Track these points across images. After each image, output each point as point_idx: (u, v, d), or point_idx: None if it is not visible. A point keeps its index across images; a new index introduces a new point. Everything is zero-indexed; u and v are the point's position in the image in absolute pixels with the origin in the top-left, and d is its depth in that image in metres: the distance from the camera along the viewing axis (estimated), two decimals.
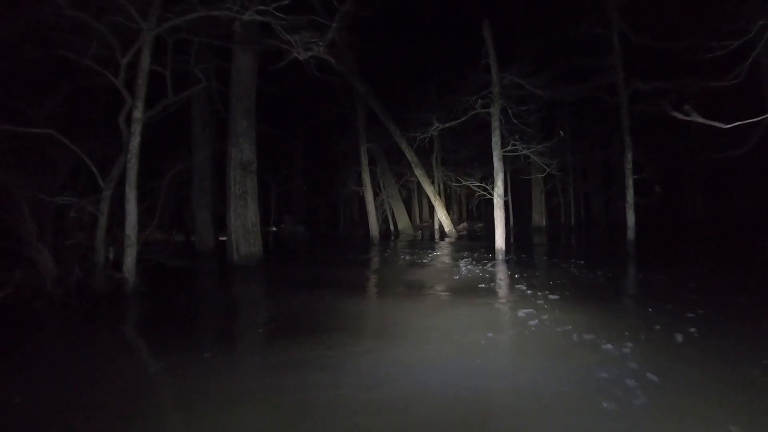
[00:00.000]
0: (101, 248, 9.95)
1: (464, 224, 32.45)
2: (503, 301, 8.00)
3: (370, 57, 22.05)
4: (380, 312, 7.67)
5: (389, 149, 28.54)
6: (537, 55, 14.33)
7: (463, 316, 6.84)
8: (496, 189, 12.70)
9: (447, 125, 13.66)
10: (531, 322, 6.28)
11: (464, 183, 14.69)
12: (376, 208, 26.34)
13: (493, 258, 12.85)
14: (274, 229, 26.13)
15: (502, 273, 10.68)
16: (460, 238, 23.56)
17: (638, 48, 15.10)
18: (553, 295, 7.96)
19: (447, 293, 8.56)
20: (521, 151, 12.87)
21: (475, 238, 24.20)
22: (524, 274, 10.18)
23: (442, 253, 15.50)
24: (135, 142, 9.82)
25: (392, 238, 24.80)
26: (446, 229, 24.45)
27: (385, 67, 23.73)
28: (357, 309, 7.66)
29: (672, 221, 28.64)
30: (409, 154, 22.97)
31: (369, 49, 21.34)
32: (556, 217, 32.98)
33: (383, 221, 28.04)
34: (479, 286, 9.04)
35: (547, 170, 13.18)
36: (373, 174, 26.64)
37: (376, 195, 26.95)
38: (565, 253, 14.87)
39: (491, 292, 8.57)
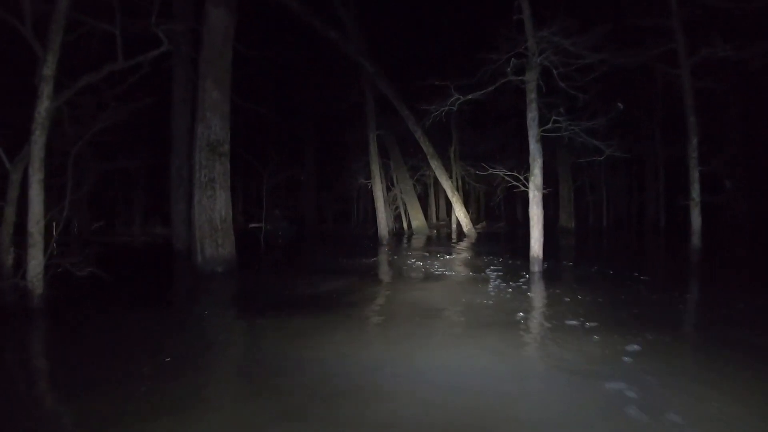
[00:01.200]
0: (6, 248, 7.33)
1: (483, 224, 29.29)
2: (568, 355, 4.71)
3: (381, 34, 19.05)
4: (365, 381, 4.17)
5: (404, 141, 25.53)
6: (579, 12, 11.05)
7: (509, 399, 3.76)
8: (532, 179, 9.57)
9: (469, 97, 10.50)
10: (636, 414, 3.23)
11: (491, 171, 11.48)
12: (389, 204, 23.33)
13: (527, 269, 9.79)
14: (268, 226, 23.33)
15: (544, 295, 7.55)
16: (479, 238, 20.42)
17: (703, 8, 11.86)
18: (636, 343, 4.82)
19: (472, 337, 5.40)
20: (566, 130, 9.66)
21: (496, 240, 21.00)
22: (578, 297, 7.04)
23: (462, 258, 12.43)
24: (42, 107, 7.08)
25: (405, 237, 21.74)
26: (465, 229, 21.35)
27: (397, 43, 20.64)
28: (324, 371, 4.29)
29: (736, 222, 24.55)
30: (425, 144, 19.90)
31: (380, 24, 18.38)
32: (581, 218, 29.47)
33: (396, 219, 24.99)
34: (519, 320, 5.95)
35: (607, 152, 9.86)
36: (385, 167, 23.65)
37: (388, 190, 23.97)
38: (615, 263, 11.66)
39: (542, 334, 5.42)
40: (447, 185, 20.76)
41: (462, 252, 14.25)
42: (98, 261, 8.34)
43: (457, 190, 22.30)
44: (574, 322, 5.56)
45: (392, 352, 4.74)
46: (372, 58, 18.06)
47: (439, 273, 9.52)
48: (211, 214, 9.85)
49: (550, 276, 9.19)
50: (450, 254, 13.45)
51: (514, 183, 10.12)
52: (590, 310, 6.22)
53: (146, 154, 23.07)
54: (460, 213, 21.29)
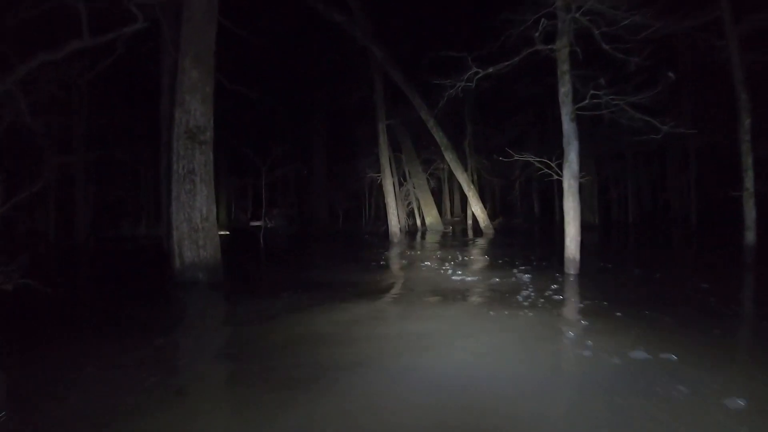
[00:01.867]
0: None
1: (499, 219, 27.53)
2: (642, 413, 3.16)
3: (389, 13, 17.46)
4: None
5: (416, 133, 23.93)
6: None
7: None
8: (567, 166, 7.93)
9: (490, 70, 8.81)
10: None
11: (517, 158, 9.90)
12: (401, 200, 21.77)
13: (558, 270, 8.19)
14: (269, 225, 21.90)
15: (591, 309, 5.87)
16: (497, 235, 18.77)
17: None
18: (740, 395, 3.18)
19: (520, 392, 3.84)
20: (606, 107, 7.97)
21: (516, 237, 19.32)
22: (633, 313, 5.39)
23: (482, 259, 10.82)
24: None
25: (418, 235, 20.15)
26: (482, 225, 19.69)
27: (407, 20, 19.00)
28: None
29: None
30: (438, 135, 18.29)
31: (387, 3, 16.81)
32: (604, 213, 27.51)
33: (409, 215, 23.43)
34: (570, 350, 4.38)
35: (665, 130, 8.05)
36: (397, 161, 22.09)
37: (400, 185, 22.40)
38: (659, 265, 9.97)
39: (602, 374, 3.78)
40: (462, 178, 19.12)
41: (482, 251, 12.65)
42: (64, 267, 6.95)
43: (472, 184, 20.59)
44: (642, 355, 3.92)
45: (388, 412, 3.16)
46: (380, 42, 16.51)
47: (459, 279, 7.89)
48: (190, 211, 8.37)
49: (588, 282, 7.55)
50: (468, 254, 11.88)
51: (537, 174, 8.45)
52: (656, 333, 4.60)
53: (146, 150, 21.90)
54: (476, 208, 19.64)
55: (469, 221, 26.19)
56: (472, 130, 25.44)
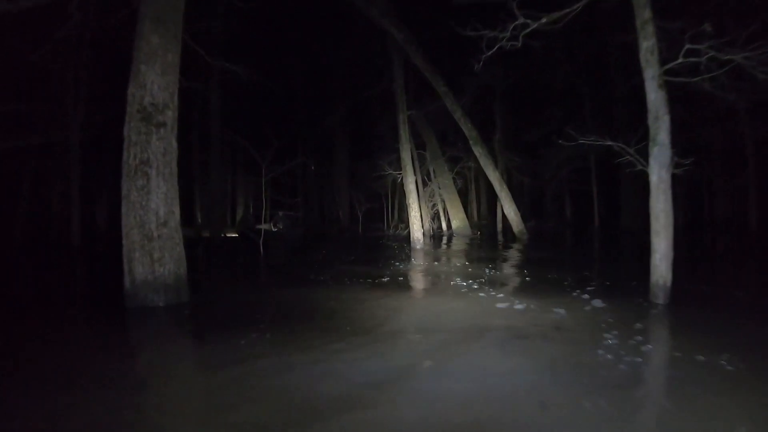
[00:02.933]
0: None
1: (531, 223, 24.91)
2: None
3: None
4: None
5: (441, 132, 21.59)
6: None
7: None
8: (654, 151, 5.52)
9: (543, 20, 6.39)
10: None
11: (582, 141, 7.43)
12: (425, 200, 19.45)
13: (634, 294, 5.82)
14: (276, 228, 19.84)
15: (728, 378, 3.49)
16: (533, 241, 16.30)
17: None
18: None
19: None
20: (704, 66, 5.54)
21: (555, 243, 16.80)
22: None
23: (527, 273, 8.40)
24: None
25: (443, 240, 17.79)
26: (515, 229, 17.23)
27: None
28: None
29: None
30: (466, 127, 15.93)
31: None
32: (644, 217, 24.49)
33: (434, 218, 21.06)
34: None
35: None
36: (420, 159, 19.80)
37: (424, 184, 20.09)
38: (764, 285, 7.43)
39: None
40: (494, 177, 16.69)
41: (522, 261, 10.25)
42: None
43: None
44: None
45: None
46: (400, 22, 14.26)
47: (504, 308, 5.50)
48: (143, 214, 6.26)
49: (691, 317, 5.11)
50: (507, 266, 9.50)
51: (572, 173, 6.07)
52: None
53: None
54: (509, 210, 17.17)
55: (499, 225, 23.76)
56: (501, 125, 22.97)
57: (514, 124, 24.47)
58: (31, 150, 17.17)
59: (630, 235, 19.10)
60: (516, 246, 14.48)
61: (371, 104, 23.58)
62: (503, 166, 21.18)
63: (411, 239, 13.44)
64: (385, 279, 7.82)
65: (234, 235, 20.41)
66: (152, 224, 6.29)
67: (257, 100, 23.57)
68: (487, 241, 16.91)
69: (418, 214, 13.15)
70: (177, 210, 6.60)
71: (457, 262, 10.17)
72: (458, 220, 20.86)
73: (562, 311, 5.22)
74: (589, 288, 6.66)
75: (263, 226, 19.35)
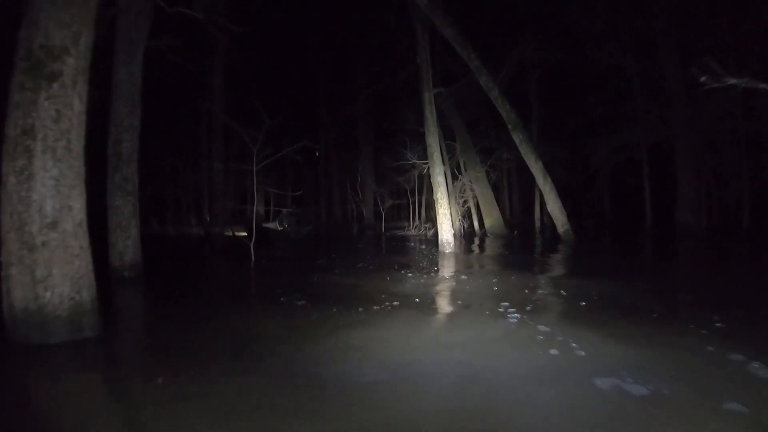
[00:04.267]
0: None
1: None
2: None
3: None
4: None
5: (471, 123, 18.95)
6: None
7: None
8: None
9: None
10: None
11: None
12: (455, 197, 16.88)
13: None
14: (281, 227, 17.53)
15: None
16: (582, 242, 13.61)
17: None
18: None
19: None
20: None
21: (609, 245, 14.00)
22: None
23: (606, 296, 5.65)
24: None
25: (476, 241, 15.20)
26: (560, 229, 14.52)
27: None
28: None
29: None
30: (504, 109, 13.30)
31: None
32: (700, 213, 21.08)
33: (465, 216, 18.43)
34: None
35: None
36: (449, 151, 17.25)
37: (453, 179, 17.53)
38: None
39: None
40: (537, 168, 14.00)
41: (587, 275, 7.57)
42: None
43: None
44: None
45: None
46: None
47: (611, 388, 2.93)
48: (24, 211, 4.03)
49: None
50: (572, 281, 6.82)
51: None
52: None
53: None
54: (554, 207, 14.45)
55: (537, 223, 20.98)
56: (538, 112, 20.20)
57: (551, 112, 21.59)
58: None
59: (691, 235, 16.09)
60: (563, 249, 11.81)
61: (396, 95, 21.09)
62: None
63: (439, 241, 10.88)
64: (396, 303, 5.36)
65: (243, 234, 18.29)
66: (34, 226, 4.01)
67: (269, 86, 21.41)
68: (528, 243, 14.25)
69: (447, 212, 10.56)
70: (79, 205, 4.29)
71: (496, 272, 7.64)
72: (492, 218, 18.22)
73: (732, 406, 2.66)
74: (717, 324, 4.09)
75: (270, 225, 17.17)
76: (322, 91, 25.97)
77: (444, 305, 5.46)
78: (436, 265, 8.46)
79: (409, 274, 7.35)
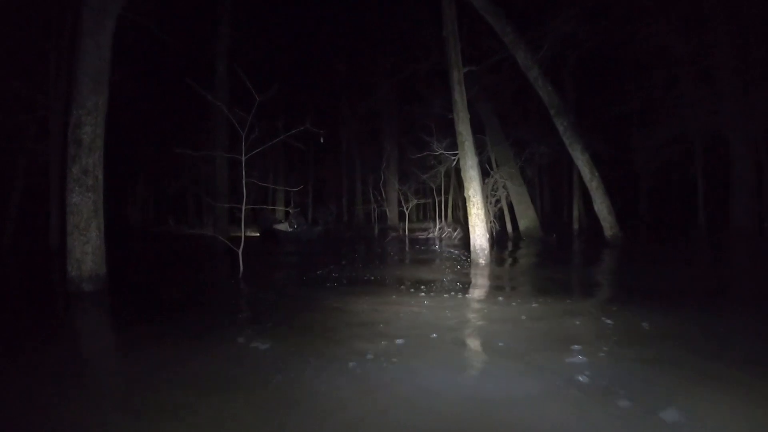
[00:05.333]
0: None
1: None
2: None
3: None
4: None
5: (504, 114, 16.89)
6: None
7: None
8: None
9: None
10: None
11: None
12: (486, 196, 14.85)
13: None
14: (290, 228, 15.72)
15: None
16: (635, 248, 11.48)
17: None
18: None
19: None
20: None
21: (666, 250, 11.76)
22: None
23: (695, 337, 3.81)
24: None
25: (509, 248, 13.16)
26: (608, 233, 12.42)
27: None
28: None
29: None
30: (545, 91, 11.29)
31: None
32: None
33: (497, 217, 16.36)
34: None
35: None
36: (479, 146, 15.19)
37: (484, 176, 15.46)
38: None
39: None
40: (583, 161, 11.91)
41: (663, 297, 5.50)
42: None
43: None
44: None
45: None
46: None
47: None
48: None
49: None
50: (648, 312, 4.71)
51: None
52: None
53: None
54: (602, 207, 12.34)
55: (576, 225, 18.75)
56: (576, 99, 17.97)
57: (587, 101, 19.29)
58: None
59: (749, 238, 13.67)
60: (616, 257, 9.73)
61: (421, 85, 19.13)
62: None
63: (471, 248, 8.84)
64: (401, 342, 3.48)
65: (254, 235, 16.73)
66: None
67: (283, 77, 19.76)
68: (572, 250, 12.15)
69: (481, 212, 8.55)
70: None
71: (545, 293, 5.68)
72: (527, 219, 16.14)
73: None
74: None
75: (281, 226, 15.51)
76: (341, 82, 24.18)
77: (475, 350, 3.55)
78: (466, 282, 6.53)
79: (430, 296, 5.45)
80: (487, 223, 12.49)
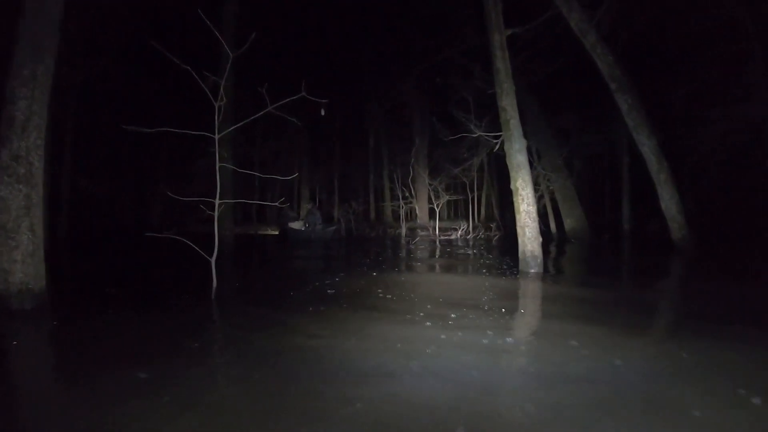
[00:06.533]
0: None
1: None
2: None
3: None
4: None
5: (544, 99, 14.66)
6: None
7: None
8: None
9: None
10: None
11: None
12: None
13: None
14: (305, 227, 13.94)
15: None
16: (711, 254, 9.25)
17: None
18: None
19: None
20: None
21: (747, 257, 9.37)
22: None
23: None
24: None
25: (552, 247, 11.02)
26: (676, 234, 10.16)
27: None
28: None
29: None
30: (606, 61, 9.15)
31: None
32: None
33: (541, 216, 14.18)
34: None
35: None
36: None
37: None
38: None
39: None
40: (650, 146, 9.67)
41: None
42: None
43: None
44: None
45: None
46: None
47: None
48: None
49: None
50: None
51: None
52: None
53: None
54: (671, 203, 10.08)
55: (625, 224, 16.33)
56: (628, 81, 15.46)
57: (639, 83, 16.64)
58: None
59: None
60: (692, 265, 7.58)
61: (451, 66, 17.02)
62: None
63: (520, 254, 6.68)
64: None
65: (273, 233, 15.16)
66: None
67: (304, 66, 18.08)
68: (636, 255, 9.97)
69: (532, 209, 6.48)
70: None
71: (648, 331, 3.70)
72: (573, 218, 13.96)
73: None
74: None
75: (295, 224, 13.82)
76: (367, 72, 22.30)
77: None
78: (514, 307, 4.54)
79: (460, 333, 3.52)
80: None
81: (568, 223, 13.84)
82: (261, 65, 14.93)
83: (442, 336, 3.44)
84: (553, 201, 14.75)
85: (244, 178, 23.70)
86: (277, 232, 15.42)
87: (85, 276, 7.63)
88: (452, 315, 4.08)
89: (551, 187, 13.83)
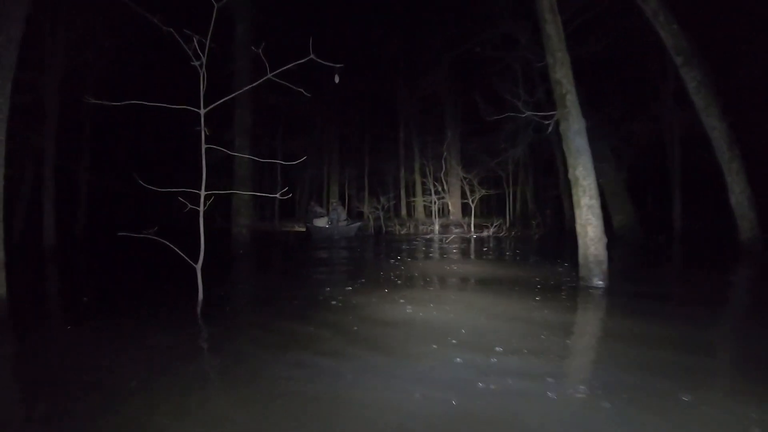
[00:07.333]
0: None
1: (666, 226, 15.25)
2: None
3: None
4: None
5: (583, 74, 13.14)
6: None
7: None
8: None
9: None
10: None
11: None
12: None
13: None
14: (328, 224, 12.93)
15: None
16: None
17: None
18: None
19: None
20: None
21: None
22: None
23: None
24: None
25: (618, 252, 9.68)
26: (746, 234, 8.73)
27: None
28: None
29: None
30: (669, 31, 7.74)
31: None
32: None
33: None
34: None
35: None
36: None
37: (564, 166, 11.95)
38: None
39: None
40: (720, 130, 8.21)
41: None
42: None
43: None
44: None
45: None
46: None
47: None
48: None
49: None
50: None
51: None
52: None
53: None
54: (742, 198, 8.63)
55: (677, 222, 14.64)
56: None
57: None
58: None
59: None
60: None
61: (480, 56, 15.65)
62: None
63: (581, 258, 5.34)
64: None
65: (300, 230, 14.29)
66: None
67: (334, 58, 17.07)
68: (708, 260, 8.53)
69: (596, 204, 5.17)
70: None
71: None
72: (622, 215, 12.51)
73: None
74: None
75: (320, 221, 12.86)
76: (398, 58, 21.11)
77: None
78: (581, 348, 3.37)
79: (504, 394, 2.43)
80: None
81: (618, 220, 12.40)
82: (288, 57, 14.07)
83: (484, 400, 2.32)
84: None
85: (270, 174, 23.00)
86: (303, 229, 14.54)
87: (70, 280, 6.87)
88: (491, 357, 2.93)
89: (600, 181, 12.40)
